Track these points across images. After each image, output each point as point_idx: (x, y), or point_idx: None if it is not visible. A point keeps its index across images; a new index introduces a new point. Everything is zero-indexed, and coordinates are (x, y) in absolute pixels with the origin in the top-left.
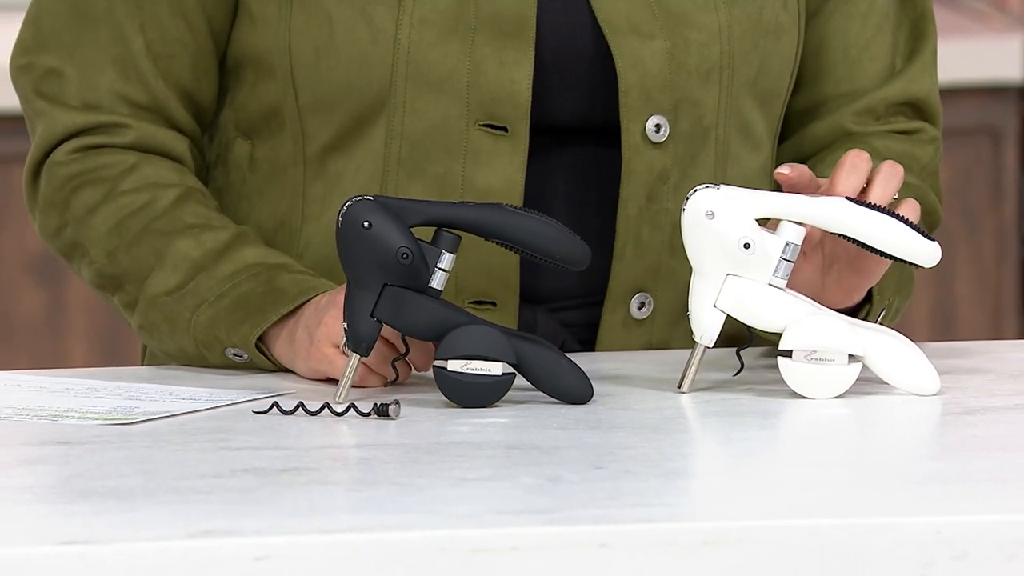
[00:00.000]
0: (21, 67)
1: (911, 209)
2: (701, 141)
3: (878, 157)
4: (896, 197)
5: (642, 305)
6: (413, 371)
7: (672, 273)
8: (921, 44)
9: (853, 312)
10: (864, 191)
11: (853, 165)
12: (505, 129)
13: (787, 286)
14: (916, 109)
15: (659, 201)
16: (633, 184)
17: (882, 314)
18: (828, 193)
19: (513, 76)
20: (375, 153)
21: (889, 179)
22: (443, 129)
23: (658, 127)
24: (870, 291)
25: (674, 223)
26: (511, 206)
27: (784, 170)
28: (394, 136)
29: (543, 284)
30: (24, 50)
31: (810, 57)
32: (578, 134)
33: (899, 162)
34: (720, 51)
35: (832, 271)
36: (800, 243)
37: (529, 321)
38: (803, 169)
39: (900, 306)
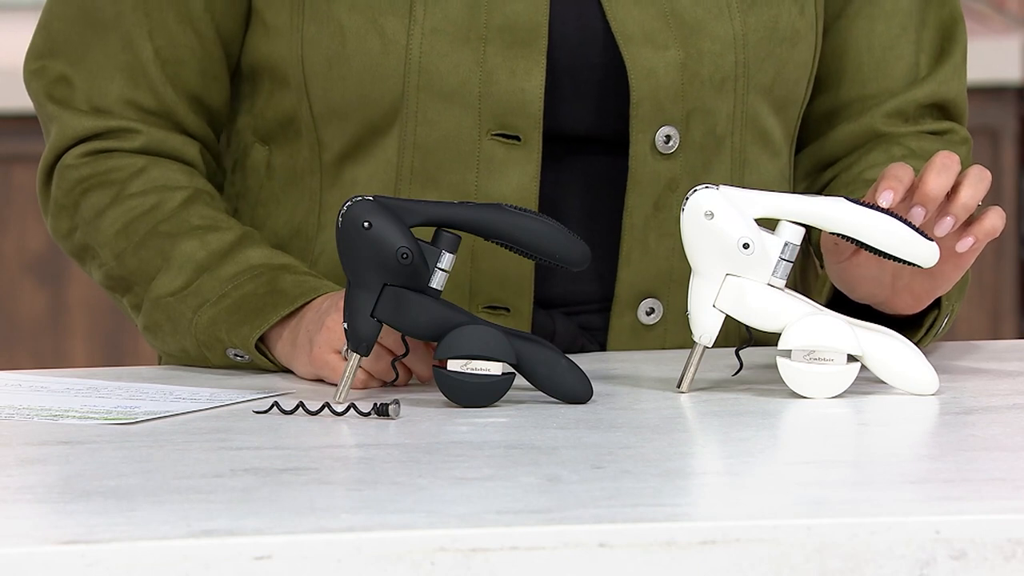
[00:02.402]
0: (33, 71)
1: (998, 215)
2: (715, 149)
3: (916, 159)
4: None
5: (651, 311)
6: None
7: (684, 279)
8: (951, 46)
9: (917, 319)
10: (951, 193)
11: (943, 165)
12: (518, 138)
13: (850, 281)
14: (943, 110)
15: (667, 209)
16: (638, 194)
17: (946, 320)
18: (917, 191)
19: (525, 85)
20: (388, 163)
21: (978, 182)
22: (456, 139)
23: (668, 138)
24: (938, 298)
25: None
26: (510, 206)
27: (885, 200)
28: (407, 146)
29: (557, 290)
30: (36, 55)
31: (832, 60)
32: (589, 143)
33: None
34: (735, 60)
35: (903, 274)
36: (799, 243)
37: (548, 326)
38: (908, 177)
39: (958, 310)
